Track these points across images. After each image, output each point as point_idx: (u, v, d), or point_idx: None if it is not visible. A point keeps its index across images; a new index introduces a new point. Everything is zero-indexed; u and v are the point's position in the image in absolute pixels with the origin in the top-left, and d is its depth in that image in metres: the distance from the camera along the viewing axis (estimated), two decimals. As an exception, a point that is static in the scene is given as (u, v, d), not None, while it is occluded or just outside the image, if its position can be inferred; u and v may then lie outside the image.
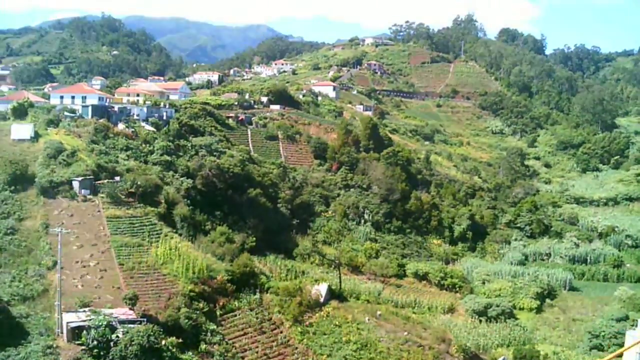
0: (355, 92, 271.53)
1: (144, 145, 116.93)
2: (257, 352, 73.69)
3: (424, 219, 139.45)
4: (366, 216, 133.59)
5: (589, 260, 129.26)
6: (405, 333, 78.86)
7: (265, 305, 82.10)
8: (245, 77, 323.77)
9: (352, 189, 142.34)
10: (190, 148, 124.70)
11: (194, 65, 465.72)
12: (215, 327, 73.49)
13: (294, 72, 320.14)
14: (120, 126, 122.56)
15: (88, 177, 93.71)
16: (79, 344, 60.88)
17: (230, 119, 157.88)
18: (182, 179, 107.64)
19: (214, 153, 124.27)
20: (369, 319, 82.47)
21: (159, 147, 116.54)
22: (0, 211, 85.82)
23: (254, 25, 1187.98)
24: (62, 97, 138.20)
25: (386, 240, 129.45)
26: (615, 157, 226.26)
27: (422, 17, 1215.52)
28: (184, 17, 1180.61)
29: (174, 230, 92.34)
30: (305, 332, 78.51)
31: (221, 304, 78.17)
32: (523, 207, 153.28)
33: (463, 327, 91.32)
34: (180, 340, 66.41)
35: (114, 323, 62.02)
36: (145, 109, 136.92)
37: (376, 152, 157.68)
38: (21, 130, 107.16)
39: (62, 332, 62.82)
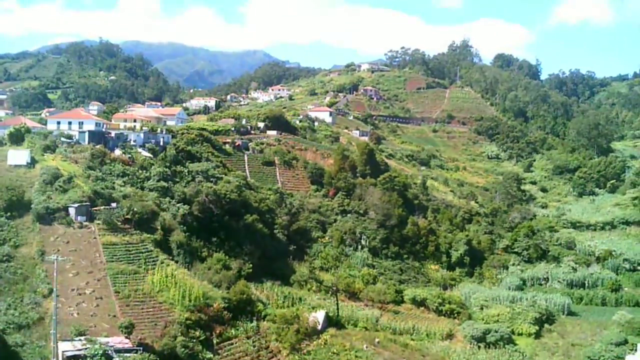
0: (351, 117, 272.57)
1: (140, 171, 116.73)
2: (254, 381, 73.00)
3: (421, 244, 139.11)
4: (363, 242, 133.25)
5: (587, 285, 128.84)
6: (404, 360, 78.31)
7: (262, 333, 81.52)
8: (242, 103, 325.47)
9: (349, 215, 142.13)
10: (187, 174, 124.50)
11: (191, 90, 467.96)
12: (212, 355, 72.87)
13: (290, 98, 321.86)
14: (117, 152, 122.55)
15: (84, 204, 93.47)
16: (74, 374, 60.24)
17: (227, 145, 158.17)
18: (178, 205, 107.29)
19: (211, 179, 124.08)
20: (367, 347, 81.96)
21: (156, 173, 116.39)
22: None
23: (251, 50, 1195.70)
24: (59, 123, 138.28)
25: (383, 266, 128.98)
26: (612, 181, 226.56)
27: (417, 43, 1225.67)
28: (182, 43, 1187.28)
29: (171, 257, 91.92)
30: (303, 360, 77.81)
31: (218, 332, 77.56)
32: (520, 232, 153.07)
33: (462, 353, 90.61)
34: (177, 369, 65.80)
35: (110, 352, 61.48)
36: (142, 135, 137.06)
37: (373, 178, 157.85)
38: (18, 156, 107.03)
39: (57, 362, 62.19)
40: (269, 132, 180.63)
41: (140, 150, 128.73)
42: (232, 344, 77.64)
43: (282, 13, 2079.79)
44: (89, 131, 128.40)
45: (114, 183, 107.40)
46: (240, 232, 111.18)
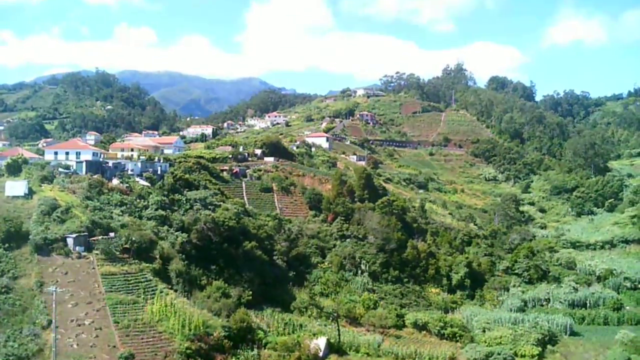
0: (348, 142, 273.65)
1: (138, 201, 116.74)
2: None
3: (421, 267, 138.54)
4: (363, 266, 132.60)
5: (588, 304, 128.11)
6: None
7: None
8: (239, 130, 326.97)
9: (348, 240, 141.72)
10: (185, 202, 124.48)
11: (188, 119, 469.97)
12: (213, 384, 72.12)
13: (287, 124, 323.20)
14: (115, 181, 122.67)
15: (82, 234, 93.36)
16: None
17: (224, 172, 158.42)
18: (177, 233, 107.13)
19: (209, 206, 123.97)
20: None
21: (154, 201, 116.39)
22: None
23: (247, 78, 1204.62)
24: (56, 153, 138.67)
25: (384, 290, 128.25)
26: (610, 200, 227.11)
27: (412, 68, 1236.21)
28: (178, 72, 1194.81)
29: (170, 286, 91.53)
30: (304, 387, 77.04)
31: (218, 361, 76.92)
32: (520, 253, 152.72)
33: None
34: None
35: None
36: (139, 164, 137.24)
37: (371, 202, 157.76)
38: (15, 187, 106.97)
39: (56, 394, 61.51)
40: (267, 159, 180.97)
41: (137, 179, 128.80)
42: (233, 372, 76.99)
43: (278, 41, 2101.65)
44: (86, 161, 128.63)
45: (112, 213, 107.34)
46: (240, 260, 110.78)
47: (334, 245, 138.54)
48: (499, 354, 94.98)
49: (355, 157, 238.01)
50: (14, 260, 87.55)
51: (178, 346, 74.17)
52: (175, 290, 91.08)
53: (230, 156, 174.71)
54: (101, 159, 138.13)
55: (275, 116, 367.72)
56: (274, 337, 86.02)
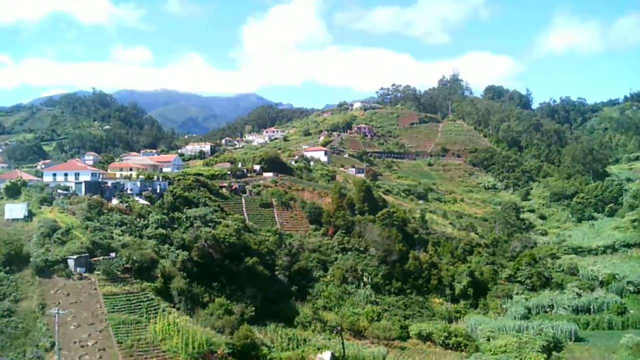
0: (346, 155, 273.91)
1: (138, 220, 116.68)
2: None
3: (423, 278, 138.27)
4: (365, 279, 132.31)
5: (592, 310, 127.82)
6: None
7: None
8: (237, 146, 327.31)
9: (349, 252, 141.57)
10: (185, 220, 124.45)
11: (186, 136, 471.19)
12: (218, 402, 71.66)
13: (285, 139, 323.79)
14: (114, 201, 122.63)
15: (83, 255, 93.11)
16: None
17: (224, 189, 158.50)
18: (177, 251, 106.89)
19: (209, 223, 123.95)
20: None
21: (154, 220, 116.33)
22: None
23: (244, 94, 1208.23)
24: (55, 175, 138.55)
25: (387, 302, 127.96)
26: (610, 205, 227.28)
27: (408, 80, 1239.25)
28: (175, 90, 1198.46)
29: (172, 305, 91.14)
30: (310, 402, 76.57)
31: (223, 378, 76.48)
32: (522, 261, 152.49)
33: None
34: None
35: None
36: (138, 183, 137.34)
37: (371, 214, 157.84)
38: (15, 209, 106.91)
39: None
40: (265, 174, 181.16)
41: (137, 198, 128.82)
42: (238, 389, 76.55)
43: (273, 56, 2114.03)
44: (85, 182, 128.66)
45: (112, 233, 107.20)
46: (241, 276, 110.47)
47: (336, 259, 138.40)
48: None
49: (354, 169, 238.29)
50: (15, 283, 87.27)
51: (182, 364, 73.75)
52: (178, 309, 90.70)
53: (229, 172, 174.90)
54: (100, 179, 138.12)
55: (273, 131, 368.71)
56: (278, 353, 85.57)
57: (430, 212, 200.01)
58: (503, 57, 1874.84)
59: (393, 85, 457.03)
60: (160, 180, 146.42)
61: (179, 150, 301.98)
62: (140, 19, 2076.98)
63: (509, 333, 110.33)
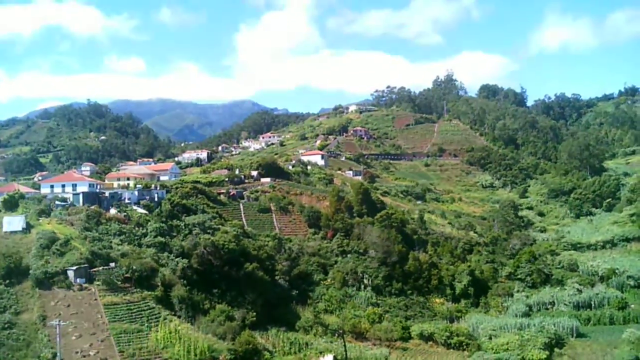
0: (343, 158, 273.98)
1: (137, 229, 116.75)
2: None
3: (424, 278, 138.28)
4: (366, 281, 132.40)
5: (593, 305, 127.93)
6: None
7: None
8: (234, 153, 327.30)
9: (349, 255, 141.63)
10: (183, 227, 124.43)
11: (182, 144, 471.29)
12: (221, 408, 71.61)
13: (281, 144, 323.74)
14: (112, 211, 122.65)
15: (83, 266, 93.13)
16: None
17: (221, 195, 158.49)
18: (177, 259, 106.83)
19: (208, 230, 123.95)
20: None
21: (152, 229, 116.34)
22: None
23: (239, 100, 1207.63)
24: (52, 187, 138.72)
25: (388, 303, 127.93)
26: (607, 200, 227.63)
27: (402, 81, 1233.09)
28: (170, 98, 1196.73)
29: (173, 313, 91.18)
30: (314, 406, 76.54)
31: (226, 384, 76.43)
32: (522, 258, 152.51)
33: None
34: None
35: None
36: (136, 192, 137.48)
37: (370, 216, 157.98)
38: (13, 222, 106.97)
39: None
40: (263, 180, 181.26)
41: (135, 207, 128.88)
42: (241, 395, 76.48)
43: (267, 62, 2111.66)
44: (83, 193, 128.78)
45: (111, 242, 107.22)
46: (241, 281, 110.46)
47: (336, 262, 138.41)
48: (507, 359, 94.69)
49: (351, 172, 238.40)
50: (16, 295, 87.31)
51: (184, 372, 73.73)
52: (179, 317, 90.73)
53: (227, 179, 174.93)
54: (98, 190, 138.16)
55: (269, 137, 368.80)
56: (280, 357, 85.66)
57: (429, 212, 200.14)
58: (496, 56, 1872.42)
59: (388, 87, 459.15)
60: (158, 188, 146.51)
61: (176, 159, 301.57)
62: (133, 29, 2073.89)
63: (510, 331, 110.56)
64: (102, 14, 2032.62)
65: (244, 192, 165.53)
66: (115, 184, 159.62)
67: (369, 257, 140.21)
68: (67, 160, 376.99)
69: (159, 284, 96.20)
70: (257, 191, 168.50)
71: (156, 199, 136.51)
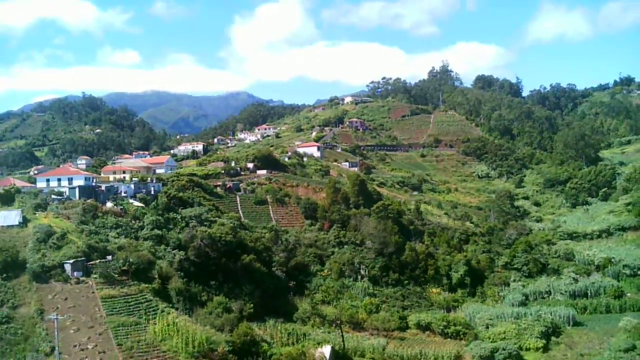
0: (339, 150, 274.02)
1: (133, 222, 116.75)
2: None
3: (420, 269, 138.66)
4: (362, 272, 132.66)
5: (589, 294, 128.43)
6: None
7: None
8: (229, 145, 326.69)
9: (345, 246, 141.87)
10: (180, 220, 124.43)
11: (178, 137, 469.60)
12: (220, 400, 71.79)
13: (277, 136, 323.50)
14: (109, 205, 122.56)
15: (80, 259, 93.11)
16: None
17: (218, 188, 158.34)
18: (174, 252, 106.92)
19: (205, 223, 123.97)
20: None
21: (149, 222, 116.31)
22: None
23: (234, 92, 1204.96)
24: (48, 181, 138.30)
25: (385, 293, 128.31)
26: (603, 190, 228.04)
27: (398, 72, 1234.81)
28: (165, 90, 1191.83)
29: (171, 305, 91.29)
30: (312, 396, 76.80)
31: (224, 376, 76.57)
32: (518, 248, 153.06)
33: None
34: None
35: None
36: (132, 186, 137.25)
37: (366, 207, 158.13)
38: (9, 216, 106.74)
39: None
40: (259, 172, 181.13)
41: (131, 200, 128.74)
42: (239, 386, 76.68)
43: (262, 54, 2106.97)
44: (79, 186, 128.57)
45: (107, 236, 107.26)
46: (239, 273, 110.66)
47: (332, 253, 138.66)
48: (504, 349, 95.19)
49: (347, 164, 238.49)
50: (13, 289, 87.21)
51: (183, 364, 73.87)
52: (177, 309, 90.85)
53: (223, 171, 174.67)
54: (94, 183, 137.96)
55: (265, 129, 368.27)
56: (278, 349, 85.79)
57: (425, 203, 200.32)
58: (492, 46, 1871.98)
59: (383, 78, 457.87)
60: (154, 181, 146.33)
61: (172, 151, 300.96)
62: (127, 22, 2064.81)
63: (507, 320, 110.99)
64: (96, 7, 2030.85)
65: (240, 184, 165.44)
66: (111, 177, 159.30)
67: (366, 248, 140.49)
68: (63, 153, 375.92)
69: (156, 276, 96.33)
70: (253, 183, 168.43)
71: (152, 192, 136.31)
